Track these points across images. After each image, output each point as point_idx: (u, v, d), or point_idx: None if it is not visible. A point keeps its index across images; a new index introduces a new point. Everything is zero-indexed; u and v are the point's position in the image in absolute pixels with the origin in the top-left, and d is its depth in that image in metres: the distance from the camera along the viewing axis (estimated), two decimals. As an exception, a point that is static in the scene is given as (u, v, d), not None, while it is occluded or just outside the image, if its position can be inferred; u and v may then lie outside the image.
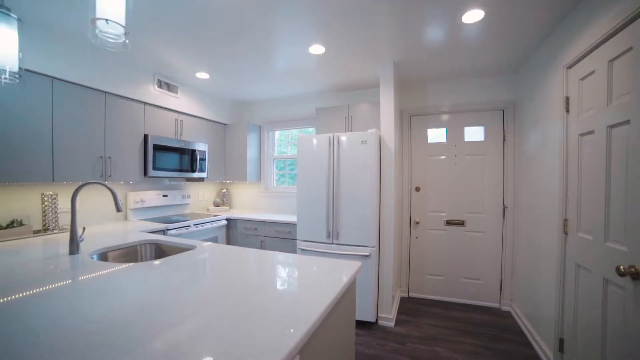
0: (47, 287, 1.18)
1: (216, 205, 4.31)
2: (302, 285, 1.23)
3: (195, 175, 3.63)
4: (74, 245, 1.78)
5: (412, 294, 3.54)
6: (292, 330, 0.86)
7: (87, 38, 2.37)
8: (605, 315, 1.55)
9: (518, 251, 2.99)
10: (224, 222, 3.66)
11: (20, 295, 1.10)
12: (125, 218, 3.25)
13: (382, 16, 2.05)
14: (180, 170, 3.41)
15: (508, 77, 3.14)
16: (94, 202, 2.94)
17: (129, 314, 0.94)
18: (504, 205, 3.17)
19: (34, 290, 1.14)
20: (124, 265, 1.50)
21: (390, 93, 2.85)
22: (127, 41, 1.22)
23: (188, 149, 3.50)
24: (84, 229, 1.89)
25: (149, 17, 2.09)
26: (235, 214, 3.90)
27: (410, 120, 3.52)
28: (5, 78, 1.65)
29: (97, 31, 1.16)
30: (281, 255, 1.71)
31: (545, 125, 2.34)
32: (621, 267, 1.35)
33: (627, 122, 1.39)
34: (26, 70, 2.11)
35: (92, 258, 1.75)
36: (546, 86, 2.32)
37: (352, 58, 2.78)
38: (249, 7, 1.96)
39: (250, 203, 4.47)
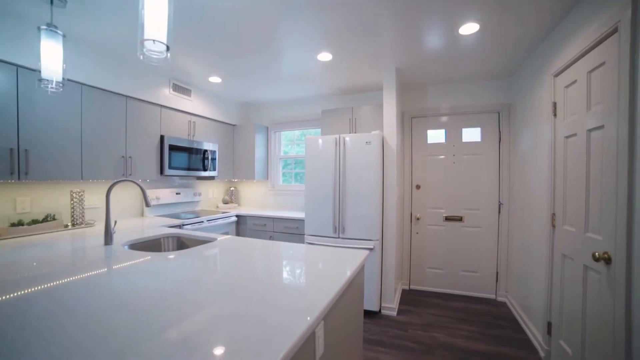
0: (93, 272, 1.38)
1: (225, 202, 4.50)
2: (321, 268, 1.43)
3: (207, 174, 3.83)
4: (108, 236, 1.97)
5: (412, 287, 3.74)
6: (318, 300, 1.06)
7: (113, 47, 2.58)
8: (585, 297, 1.75)
9: (513, 245, 3.19)
10: (234, 219, 3.86)
11: (72, 278, 1.30)
12: (142, 214, 3.44)
13: (386, 27, 2.25)
14: (193, 169, 3.61)
15: (503, 81, 3.34)
16: (114, 199, 3.13)
17: (170, 291, 1.14)
18: (499, 202, 3.37)
19: (84, 275, 1.34)
20: (159, 254, 1.70)
21: (393, 97, 3.05)
22: (168, 56, 1.41)
23: (200, 149, 3.70)
24: (115, 222, 2.09)
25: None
26: (244, 210, 4.10)
27: (411, 122, 3.71)
28: (52, 88, 1.86)
29: (144, 50, 1.35)
30: (298, 246, 1.90)
31: (536, 128, 2.53)
32: (596, 253, 1.55)
33: (602, 126, 1.58)
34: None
35: (124, 248, 1.94)
36: (536, 91, 2.51)
37: (357, 64, 2.98)
38: (264, 18, 2.15)
39: (257, 200, 4.66)
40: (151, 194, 3.43)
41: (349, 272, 1.35)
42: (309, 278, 1.29)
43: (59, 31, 1.84)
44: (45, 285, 1.17)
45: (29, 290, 1.12)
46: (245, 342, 0.77)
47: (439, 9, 1.98)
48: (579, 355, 1.80)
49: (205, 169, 3.79)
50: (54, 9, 1.98)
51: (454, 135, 3.55)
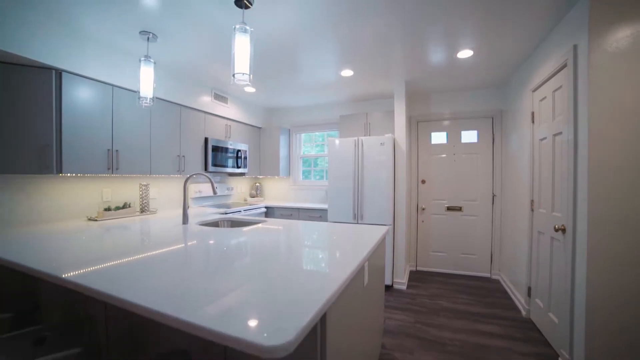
0: (186, 244, 1.97)
1: (252, 196, 5.10)
2: (359, 234, 2.01)
3: (239, 170, 4.41)
4: (185, 218, 2.57)
5: (419, 268, 4.33)
6: (364, 247, 1.64)
7: (174, 66, 3.17)
8: (552, 261, 2.32)
9: (504, 230, 3.76)
10: (264, 209, 4.45)
11: (189, 243, 1.89)
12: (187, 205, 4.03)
13: (398, 50, 2.81)
14: (229, 167, 4.20)
15: (496, 91, 3.91)
16: (163, 192, 3.71)
17: (260, 245, 1.74)
18: (493, 194, 3.94)
19: (179, 246, 1.93)
20: (229, 229, 2.29)
21: (402, 105, 3.63)
22: (251, 77, 1.97)
23: (234, 149, 4.29)
24: (188, 207, 2.68)
25: (212, 48, 2.84)
26: (271, 203, 4.69)
27: (417, 126, 4.29)
28: (146, 103, 2.45)
29: (235, 80, 1.94)
30: (336, 224, 2.48)
31: (520, 131, 3.11)
32: (556, 225, 2.13)
33: (560, 133, 2.16)
34: (133, 90, 2.89)
35: (198, 226, 2.53)
36: (520, 102, 3.08)
37: (373, 78, 3.56)
38: (299, 42, 2.73)
39: (280, 195, 5.26)
40: (195, 187, 4.02)
41: (380, 234, 1.94)
42: (353, 239, 1.87)
43: (152, 60, 2.44)
44: (171, 248, 1.76)
45: (166, 249, 1.72)
46: (330, 262, 1.36)
47: (442, 39, 2.56)
48: (547, 306, 2.37)
49: (238, 167, 4.38)
50: (148, 44, 2.57)
51: (454, 136, 4.12)
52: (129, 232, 2.11)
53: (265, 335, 0.71)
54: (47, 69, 2.25)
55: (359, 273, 1.49)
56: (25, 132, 2.21)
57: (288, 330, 0.73)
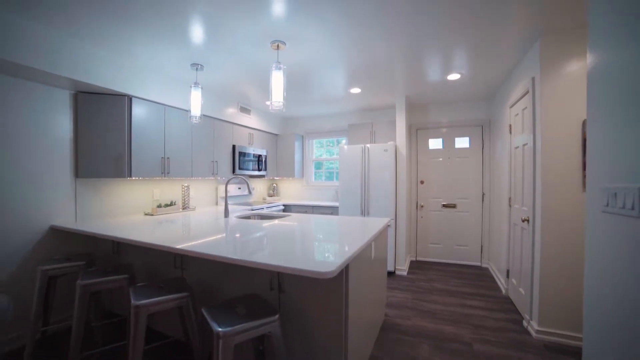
0: (243, 228, 2.58)
1: (270, 195, 5.71)
2: (368, 223, 2.60)
3: (260, 173, 5.02)
4: (227, 211, 3.18)
5: (419, 258, 4.90)
6: (371, 230, 2.24)
7: (209, 86, 3.78)
8: (522, 246, 2.89)
9: (492, 224, 4.32)
10: (282, 207, 5.06)
11: (217, 236, 2.49)
12: (216, 203, 4.65)
13: (399, 73, 3.40)
14: (251, 170, 4.81)
15: (485, 103, 4.47)
16: (199, 192, 4.33)
17: (289, 230, 2.34)
18: (482, 192, 4.51)
19: (222, 235, 2.54)
20: (270, 220, 2.89)
21: (403, 116, 4.21)
22: (284, 97, 2.57)
23: (256, 154, 4.90)
24: (227, 204, 3.28)
25: (245, 73, 3.45)
26: (287, 201, 5.29)
27: (417, 133, 4.87)
28: (195, 120, 3.06)
29: (271, 106, 2.54)
30: (347, 217, 3.07)
31: (502, 140, 3.67)
32: (522, 217, 2.70)
33: (527, 143, 2.73)
34: (179, 108, 3.50)
35: (237, 219, 3.13)
36: (502, 115, 3.65)
37: (377, 93, 4.14)
38: (315, 70, 3.33)
39: (294, 194, 5.86)
40: (223, 188, 4.63)
41: (383, 223, 2.54)
42: (363, 226, 2.47)
43: (200, 85, 3.05)
44: (233, 231, 2.37)
45: (218, 236, 2.32)
46: (349, 238, 1.96)
47: (435, 65, 3.14)
48: (518, 283, 2.95)
49: (259, 169, 4.99)
50: (197, 72, 3.19)
51: (449, 142, 4.70)
52: (191, 223, 2.72)
53: (320, 265, 1.31)
54: (122, 95, 2.87)
55: (367, 247, 2.08)
56: (106, 145, 2.84)
57: (332, 265, 1.33)
